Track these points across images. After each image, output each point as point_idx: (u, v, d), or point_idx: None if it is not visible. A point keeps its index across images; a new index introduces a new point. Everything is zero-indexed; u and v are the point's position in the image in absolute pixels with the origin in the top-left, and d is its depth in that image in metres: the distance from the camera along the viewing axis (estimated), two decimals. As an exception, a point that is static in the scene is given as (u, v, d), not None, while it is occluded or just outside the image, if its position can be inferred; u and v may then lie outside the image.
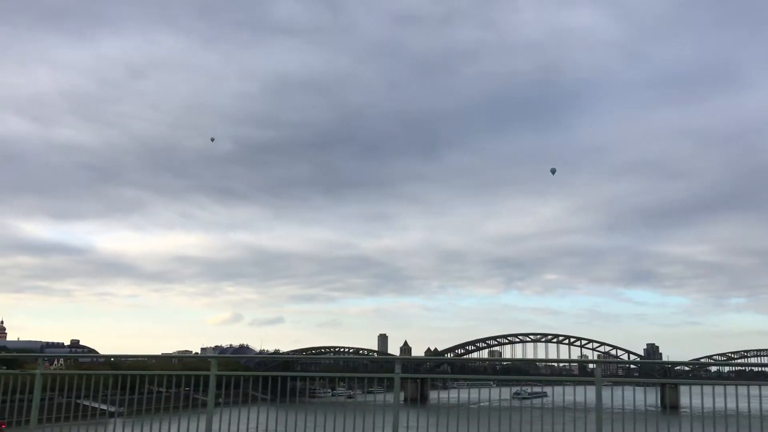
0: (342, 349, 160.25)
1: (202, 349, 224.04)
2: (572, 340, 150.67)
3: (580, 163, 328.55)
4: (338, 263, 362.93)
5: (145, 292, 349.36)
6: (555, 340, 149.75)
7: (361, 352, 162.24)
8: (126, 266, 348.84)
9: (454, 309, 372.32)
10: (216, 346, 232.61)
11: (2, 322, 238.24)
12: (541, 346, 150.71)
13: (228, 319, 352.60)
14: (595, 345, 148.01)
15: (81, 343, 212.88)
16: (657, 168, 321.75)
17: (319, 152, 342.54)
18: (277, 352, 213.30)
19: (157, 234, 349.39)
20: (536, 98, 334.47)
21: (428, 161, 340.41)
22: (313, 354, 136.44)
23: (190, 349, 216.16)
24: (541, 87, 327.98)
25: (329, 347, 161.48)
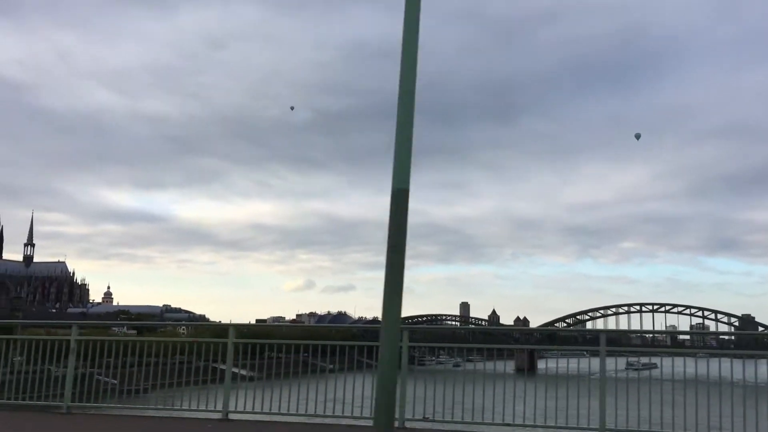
0: (442, 317, 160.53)
1: (297, 315, 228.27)
2: (668, 307, 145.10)
3: (664, 127, 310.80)
4: (410, 231, 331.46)
5: (222, 259, 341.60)
6: (662, 309, 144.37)
7: (471, 321, 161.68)
8: (204, 234, 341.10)
9: (527, 277, 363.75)
10: (311, 313, 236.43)
11: (109, 287, 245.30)
12: (634, 317, 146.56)
13: (301, 286, 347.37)
14: (693, 310, 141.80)
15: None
16: (745, 132, 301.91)
17: (394, 120, 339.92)
18: (375, 320, 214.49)
19: (235, 203, 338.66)
20: (618, 60, 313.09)
21: (504, 128, 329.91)
22: (412, 324, 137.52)
23: (282, 315, 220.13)
24: (623, 48, 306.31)
25: (433, 315, 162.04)
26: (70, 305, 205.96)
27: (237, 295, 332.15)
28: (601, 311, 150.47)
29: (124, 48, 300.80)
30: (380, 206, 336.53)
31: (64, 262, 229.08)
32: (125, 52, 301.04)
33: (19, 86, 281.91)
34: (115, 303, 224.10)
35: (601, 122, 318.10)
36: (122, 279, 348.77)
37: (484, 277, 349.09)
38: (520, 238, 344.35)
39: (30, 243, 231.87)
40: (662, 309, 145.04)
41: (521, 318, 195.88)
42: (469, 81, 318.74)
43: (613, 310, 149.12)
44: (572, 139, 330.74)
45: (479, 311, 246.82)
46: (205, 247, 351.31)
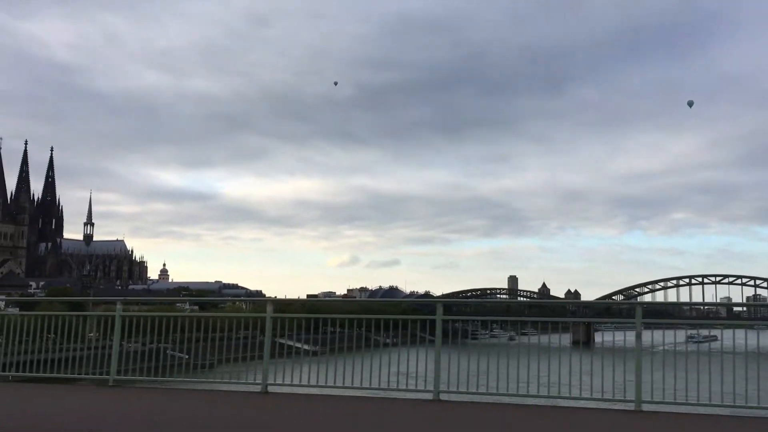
0: (492, 291, 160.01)
1: (348, 290, 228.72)
2: (720, 278, 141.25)
3: (719, 93, 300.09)
4: (456, 205, 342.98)
5: (268, 235, 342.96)
6: (715, 280, 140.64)
7: (521, 294, 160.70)
8: (250, 211, 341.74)
9: (573, 250, 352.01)
10: (362, 288, 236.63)
11: (164, 265, 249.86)
12: (685, 290, 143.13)
13: (346, 261, 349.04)
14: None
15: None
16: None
17: (439, 93, 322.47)
18: (427, 293, 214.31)
19: (280, 179, 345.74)
20: (672, 25, 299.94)
21: (553, 97, 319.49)
22: (467, 297, 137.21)
23: (333, 291, 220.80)
24: (677, 12, 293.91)
25: (481, 289, 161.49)
26: (130, 282, 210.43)
27: (282, 271, 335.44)
28: (657, 284, 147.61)
29: (171, 28, 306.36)
30: (425, 181, 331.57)
31: (122, 241, 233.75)
32: (172, 32, 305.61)
33: (70, 69, 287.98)
34: (170, 280, 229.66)
35: (654, 89, 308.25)
36: (171, 256, 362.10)
37: (529, 251, 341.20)
38: (566, 210, 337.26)
39: (89, 222, 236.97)
40: (715, 281, 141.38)
41: (572, 291, 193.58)
42: (518, 50, 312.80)
43: (661, 285, 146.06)
44: (623, 107, 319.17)
45: (526, 285, 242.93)
46: (251, 224, 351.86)
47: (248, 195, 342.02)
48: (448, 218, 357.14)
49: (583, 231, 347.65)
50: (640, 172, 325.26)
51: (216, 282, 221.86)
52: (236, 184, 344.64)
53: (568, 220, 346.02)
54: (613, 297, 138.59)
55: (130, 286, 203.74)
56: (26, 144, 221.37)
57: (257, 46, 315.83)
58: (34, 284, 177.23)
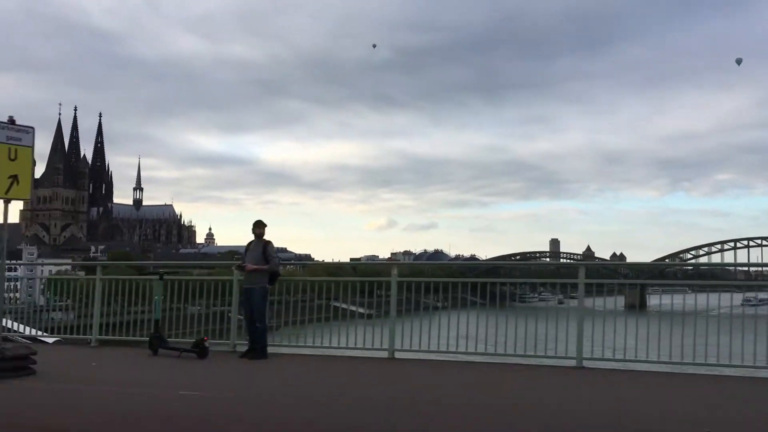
0: (534, 254, 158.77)
1: (392, 253, 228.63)
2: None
3: None
4: (493, 168, 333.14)
5: (306, 200, 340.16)
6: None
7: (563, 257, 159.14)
8: (288, 176, 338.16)
9: (612, 213, 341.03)
10: (406, 251, 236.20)
11: (210, 229, 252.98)
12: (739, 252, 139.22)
13: (383, 225, 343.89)
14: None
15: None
16: None
17: (478, 54, 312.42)
18: (473, 257, 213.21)
19: (317, 144, 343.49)
20: None
21: (595, 57, 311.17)
22: (517, 260, 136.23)
23: (376, 254, 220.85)
24: None
25: (524, 252, 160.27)
26: (179, 246, 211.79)
27: (321, 234, 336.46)
28: (702, 249, 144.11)
29: None
30: (463, 143, 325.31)
31: (171, 205, 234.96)
32: None
33: (111, 36, 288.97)
34: (215, 244, 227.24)
35: (702, 46, 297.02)
36: (212, 221, 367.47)
37: (567, 214, 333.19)
38: (606, 172, 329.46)
39: (139, 187, 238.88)
40: (761, 243, 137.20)
41: (617, 254, 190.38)
42: (559, 9, 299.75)
43: (705, 249, 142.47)
44: (667, 66, 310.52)
45: (568, 248, 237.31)
46: (290, 188, 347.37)
47: (286, 159, 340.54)
48: (485, 181, 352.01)
49: (623, 193, 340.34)
50: (684, 132, 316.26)
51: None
52: (274, 149, 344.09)
53: (608, 183, 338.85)
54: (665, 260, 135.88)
55: (181, 250, 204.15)
56: (75, 110, 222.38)
57: (294, 10, 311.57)
58: (93, 248, 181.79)
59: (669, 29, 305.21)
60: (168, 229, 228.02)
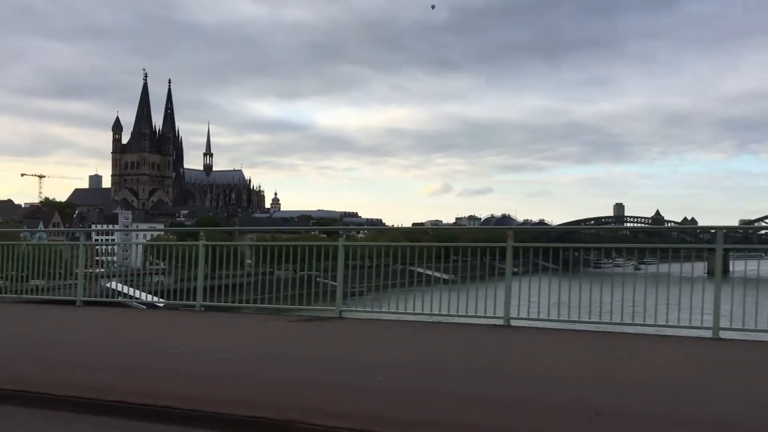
0: (603, 219, 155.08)
1: (456, 218, 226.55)
2: None
3: None
4: (551, 131, 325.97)
5: (361, 165, 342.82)
6: None
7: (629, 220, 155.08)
8: (344, 141, 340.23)
9: (676, 176, 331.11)
10: (471, 216, 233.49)
11: (276, 194, 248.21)
12: None
13: (437, 190, 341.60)
14: None
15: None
16: None
17: (537, 14, 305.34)
18: (542, 221, 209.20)
19: (373, 108, 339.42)
20: None
21: (660, 14, 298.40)
22: (591, 224, 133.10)
23: (440, 219, 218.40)
24: None
25: (593, 218, 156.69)
26: (249, 211, 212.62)
27: (376, 199, 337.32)
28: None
29: None
30: (520, 106, 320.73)
31: (240, 171, 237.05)
32: None
33: (169, 2, 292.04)
34: (281, 209, 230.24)
35: None
36: (269, 186, 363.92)
37: (628, 178, 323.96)
38: (669, 135, 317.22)
39: (208, 153, 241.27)
40: None
41: (688, 219, 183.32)
42: None
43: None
44: (737, 21, 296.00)
45: (631, 212, 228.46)
46: (345, 154, 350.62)
47: (342, 125, 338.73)
48: (541, 145, 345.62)
49: (687, 156, 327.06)
50: (752, 91, 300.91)
51: (338, 211, 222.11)
52: (330, 114, 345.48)
53: (671, 145, 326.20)
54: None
55: (255, 215, 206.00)
56: (146, 77, 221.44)
57: None
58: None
59: None
60: (238, 194, 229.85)
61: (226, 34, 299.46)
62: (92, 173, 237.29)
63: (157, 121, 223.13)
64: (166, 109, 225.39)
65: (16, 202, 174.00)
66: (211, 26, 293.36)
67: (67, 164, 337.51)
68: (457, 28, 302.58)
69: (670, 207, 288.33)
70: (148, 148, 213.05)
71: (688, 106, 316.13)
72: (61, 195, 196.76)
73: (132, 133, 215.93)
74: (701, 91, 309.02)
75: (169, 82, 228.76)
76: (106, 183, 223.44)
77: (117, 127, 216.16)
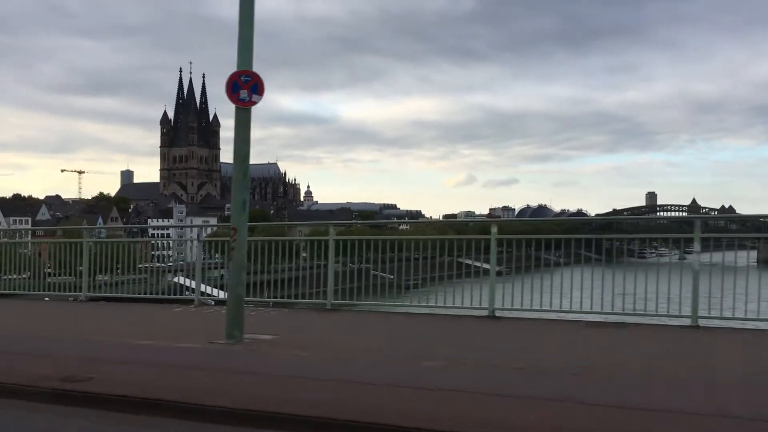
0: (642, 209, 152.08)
1: (490, 209, 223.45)
2: None
3: None
4: (577, 120, 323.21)
5: (385, 157, 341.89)
6: None
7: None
8: (368, 133, 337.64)
9: (704, 164, 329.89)
10: (505, 207, 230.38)
11: (309, 187, 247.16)
12: None
13: (462, 181, 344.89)
14: None
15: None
16: None
17: (564, 1, 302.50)
18: (579, 212, 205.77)
19: (397, 100, 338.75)
20: None
21: None
22: (627, 215, 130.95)
23: (472, 210, 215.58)
24: None
25: (642, 207, 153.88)
26: (294, 204, 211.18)
27: (401, 191, 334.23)
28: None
29: None
30: (546, 95, 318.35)
31: (275, 164, 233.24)
32: None
33: None
34: (314, 201, 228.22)
35: None
36: (300, 179, 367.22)
37: (654, 166, 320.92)
38: (698, 122, 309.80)
39: None
40: None
41: (726, 207, 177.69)
42: None
43: None
44: (766, 5, 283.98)
45: (663, 201, 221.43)
46: (369, 146, 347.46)
47: (366, 117, 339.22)
48: (567, 134, 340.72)
49: (716, 143, 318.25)
50: None
51: (378, 203, 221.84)
52: (355, 107, 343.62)
53: (700, 132, 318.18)
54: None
55: (298, 208, 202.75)
56: (181, 72, 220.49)
57: None
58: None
59: None
60: (274, 187, 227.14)
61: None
62: (123, 168, 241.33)
63: (194, 115, 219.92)
64: (201, 103, 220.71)
65: (64, 198, 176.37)
66: (235, 20, 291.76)
67: (97, 160, 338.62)
68: (482, 18, 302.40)
69: (705, 195, 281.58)
70: (197, 141, 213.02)
71: (717, 93, 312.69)
72: (96, 190, 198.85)
73: (178, 127, 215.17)
74: (731, 77, 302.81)
75: (203, 77, 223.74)
76: (138, 178, 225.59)
77: (165, 122, 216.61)
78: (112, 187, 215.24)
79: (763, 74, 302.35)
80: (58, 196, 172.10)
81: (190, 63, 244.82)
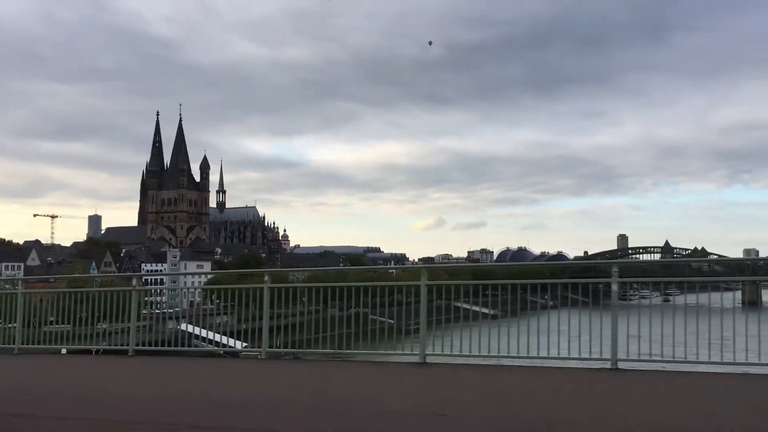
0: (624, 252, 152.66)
1: (469, 252, 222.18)
2: None
3: None
4: (543, 164, 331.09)
5: (355, 200, 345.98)
6: None
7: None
8: (338, 177, 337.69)
9: (667, 207, 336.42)
10: (483, 250, 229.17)
11: (285, 230, 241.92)
12: None
13: (432, 224, 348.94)
14: None
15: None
16: None
17: (532, 49, 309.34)
18: (560, 254, 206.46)
19: (368, 144, 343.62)
20: None
21: (654, 47, 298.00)
22: (606, 259, 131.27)
23: (449, 253, 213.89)
24: None
25: (625, 248, 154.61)
26: (263, 247, 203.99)
27: (370, 235, 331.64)
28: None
29: None
30: (513, 140, 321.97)
31: (254, 207, 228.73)
32: (265, 1, 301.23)
33: (168, 43, 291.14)
34: (291, 245, 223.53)
35: (763, 34, 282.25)
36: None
37: (619, 209, 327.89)
38: (662, 166, 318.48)
39: (221, 190, 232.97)
40: None
41: (699, 248, 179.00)
42: None
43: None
44: (730, 53, 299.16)
45: (633, 244, 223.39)
46: (339, 190, 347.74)
47: (337, 161, 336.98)
48: (535, 178, 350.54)
49: (680, 187, 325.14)
50: (744, 122, 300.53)
51: (360, 246, 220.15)
52: (325, 151, 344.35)
53: (664, 176, 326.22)
54: None
55: (286, 252, 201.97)
56: (158, 115, 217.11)
57: (349, 9, 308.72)
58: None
59: (731, 17, 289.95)
60: (253, 230, 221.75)
61: (224, 73, 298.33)
62: (91, 213, 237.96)
63: (166, 159, 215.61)
64: (180, 146, 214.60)
65: (44, 243, 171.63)
66: (210, 66, 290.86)
67: (61, 205, 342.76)
68: (452, 64, 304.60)
69: (675, 236, 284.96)
70: (187, 184, 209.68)
71: (681, 138, 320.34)
72: (64, 235, 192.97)
73: (161, 171, 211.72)
74: (694, 123, 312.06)
75: (180, 121, 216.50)
76: (108, 222, 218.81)
77: (155, 164, 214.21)
78: (80, 232, 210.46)
79: (725, 120, 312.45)
80: (37, 241, 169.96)
81: (180, 105, 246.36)
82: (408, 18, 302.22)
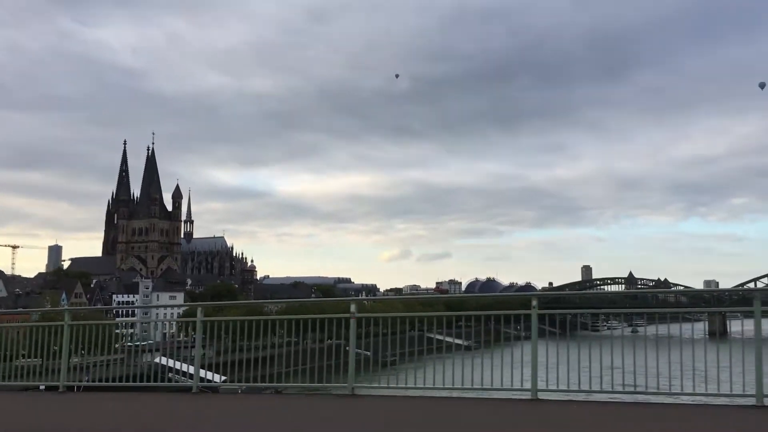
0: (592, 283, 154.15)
1: (437, 283, 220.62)
2: None
3: None
4: (508, 196, 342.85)
5: (320, 231, 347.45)
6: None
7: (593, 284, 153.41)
8: (304, 207, 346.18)
9: (628, 239, 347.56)
10: (452, 280, 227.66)
11: (252, 260, 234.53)
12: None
13: (397, 255, 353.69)
14: None
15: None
16: None
17: (495, 84, 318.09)
18: (528, 285, 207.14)
19: (333, 175, 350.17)
20: (742, 4, 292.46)
21: (613, 84, 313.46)
22: (576, 290, 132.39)
23: (417, 284, 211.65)
24: None
25: (590, 279, 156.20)
26: (232, 278, 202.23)
27: (337, 266, 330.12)
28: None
29: (232, 28, 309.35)
30: (477, 172, 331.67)
31: (222, 237, 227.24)
32: (232, 33, 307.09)
33: (133, 73, 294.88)
34: (258, 276, 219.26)
35: (721, 72, 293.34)
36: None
37: (581, 241, 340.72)
38: (622, 198, 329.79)
39: (189, 220, 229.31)
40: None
41: (662, 279, 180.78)
42: (577, 36, 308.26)
43: None
44: (687, 91, 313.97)
45: (598, 275, 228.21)
46: (304, 221, 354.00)
47: (302, 191, 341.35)
48: (499, 209, 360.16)
49: (639, 219, 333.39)
50: (700, 157, 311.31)
51: (331, 277, 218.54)
52: (290, 181, 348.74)
53: (624, 209, 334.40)
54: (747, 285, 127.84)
55: (258, 283, 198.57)
56: (125, 144, 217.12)
57: (315, 42, 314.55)
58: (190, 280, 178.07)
59: (686, 56, 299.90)
60: (221, 261, 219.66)
61: (190, 103, 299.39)
62: (51, 243, 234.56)
63: (134, 188, 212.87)
64: (152, 175, 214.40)
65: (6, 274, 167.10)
66: (175, 96, 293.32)
67: (20, 235, 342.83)
68: (417, 97, 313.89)
69: (637, 267, 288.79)
70: (158, 213, 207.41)
71: (640, 171, 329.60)
72: (24, 265, 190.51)
73: (129, 200, 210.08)
74: (652, 157, 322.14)
75: (150, 152, 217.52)
76: (70, 253, 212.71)
77: (123, 193, 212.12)
78: (39, 263, 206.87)
79: (681, 155, 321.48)
80: (0, 272, 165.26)
81: (153, 133, 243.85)
82: (374, 51, 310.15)
